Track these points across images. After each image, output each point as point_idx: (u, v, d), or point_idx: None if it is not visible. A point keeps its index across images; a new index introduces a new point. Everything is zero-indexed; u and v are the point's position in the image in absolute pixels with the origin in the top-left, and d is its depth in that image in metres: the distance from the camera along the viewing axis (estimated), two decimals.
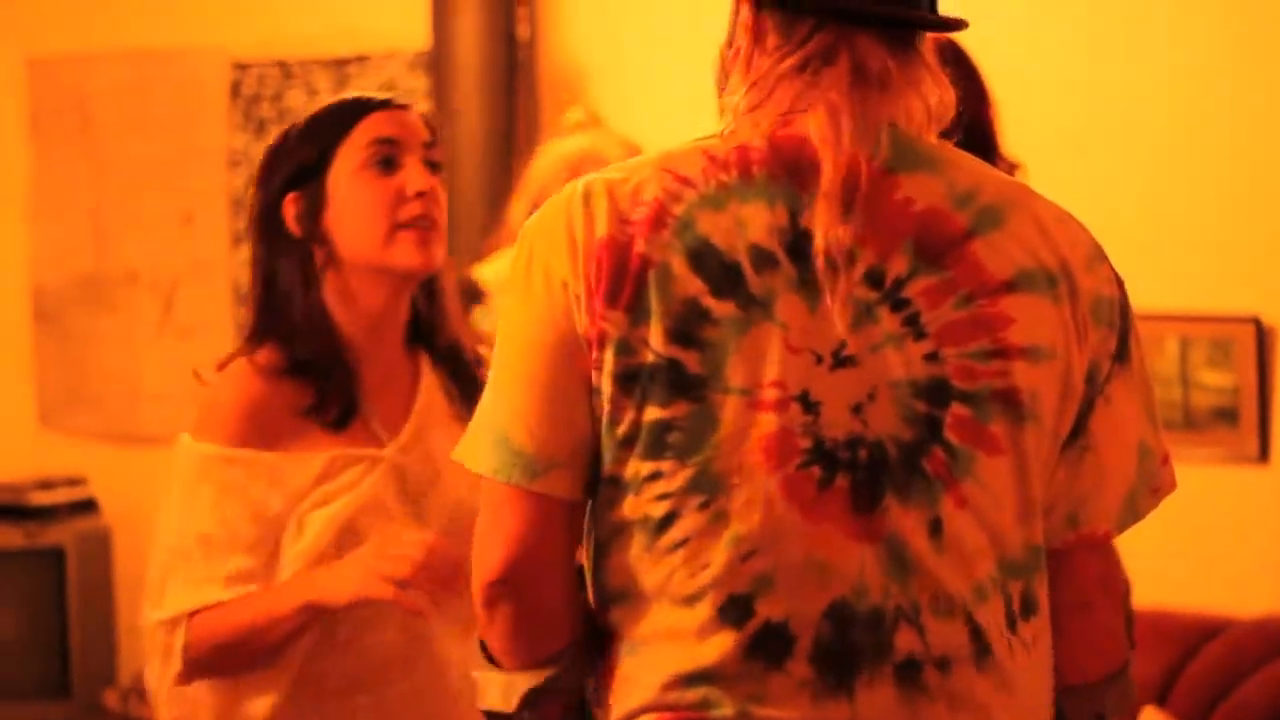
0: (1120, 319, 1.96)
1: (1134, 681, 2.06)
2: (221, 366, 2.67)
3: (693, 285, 1.86)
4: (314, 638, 2.58)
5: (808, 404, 1.85)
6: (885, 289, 1.87)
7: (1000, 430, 1.87)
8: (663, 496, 1.88)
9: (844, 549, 1.85)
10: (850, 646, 1.86)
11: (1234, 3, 4.86)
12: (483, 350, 2.74)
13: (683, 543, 1.88)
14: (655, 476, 1.88)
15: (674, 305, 1.86)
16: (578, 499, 1.94)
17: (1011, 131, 3.05)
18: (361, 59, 6.01)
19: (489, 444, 1.94)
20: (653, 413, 1.87)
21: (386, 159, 2.63)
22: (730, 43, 2.00)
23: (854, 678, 1.86)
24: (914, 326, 1.87)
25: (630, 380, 1.87)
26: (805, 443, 1.85)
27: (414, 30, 5.73)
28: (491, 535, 1.95)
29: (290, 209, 2.64)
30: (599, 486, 1.93)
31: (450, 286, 2.81)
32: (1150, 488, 1.99)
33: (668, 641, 1.90)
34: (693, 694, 1.88)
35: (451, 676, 2.63)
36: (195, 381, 2.69)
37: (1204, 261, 4.78)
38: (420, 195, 2.62)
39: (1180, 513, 2.73)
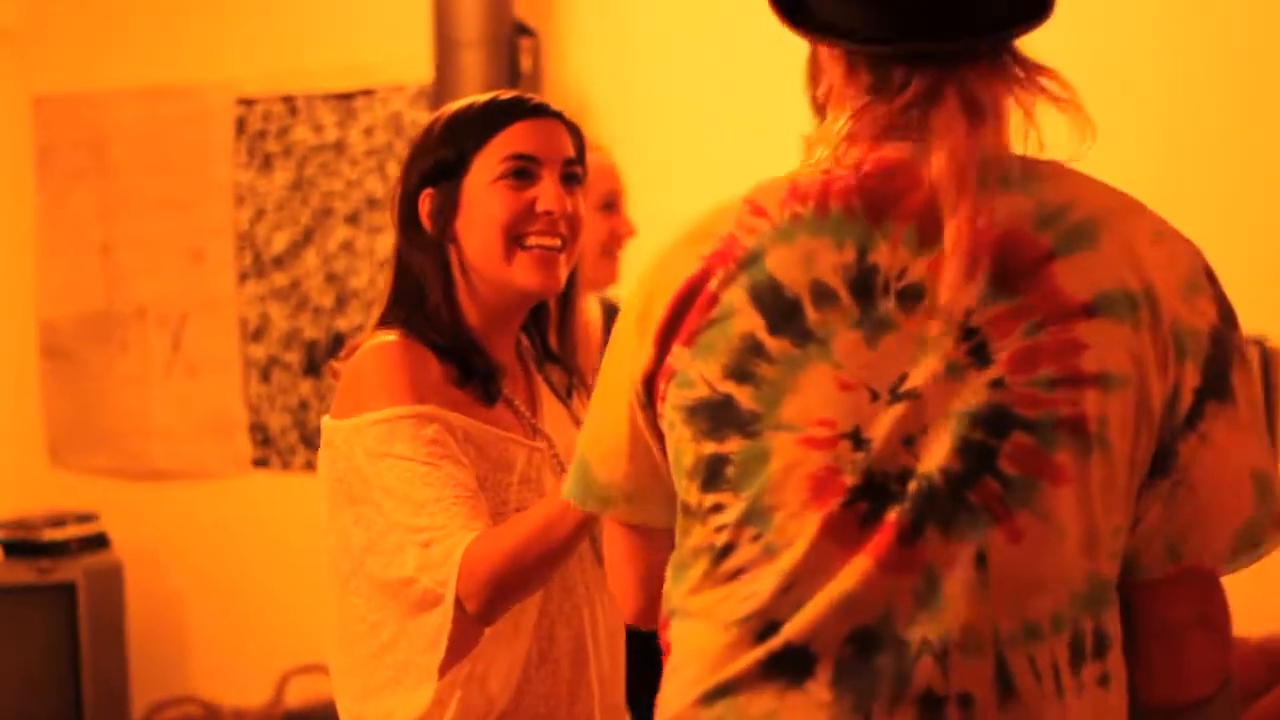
0: (1216, 352, 1.88)
1: (1234, 706, 2.00)
2: (350, 353, 2.62)
3: (752, 321, 1.87)
4: (538, 607, 2.58)
5: (858, 441, 1.84)
6: (953, 319, 1.83)
7: (1066, 459, 1.82)
8: (722, 528, 1.90)
9: (877, 580, 1.83)
10: (871, 673, 1.84)
11: (1239, 20, 4.88)
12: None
13: (737, 573, 1.90)
14: (717, 509, 1.90)
15: (732, 341, 1.88)
16: (669, 527, 1.99)
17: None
18: (366, 93, 6.04)
19: (574, 471, 2.05)
20: (709, 447, 1.90)
21: (521, 171, 2.62)
22: (815, 80, 1.98)
23: (872, 705, 1.84)
24: (979, 356, 1.83)
25: (691, 414, 1.90)
26: (853, 480, 1.84)
27: (418, 64, 5.76)
28: (609, 571, 2.11)
29: (425, 205, 2.65)
30: (679, 513, 1.96)
31: (578, 306, 2.80)
32: (1273, 523, 1.92)
33: (701, 661, 1.92)
34: (709, 713, 1.90)
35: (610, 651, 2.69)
36: (335, 374, 2.64)
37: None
38: (548, 214, 2.61)
39: None
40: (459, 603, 2.45)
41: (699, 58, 5.60)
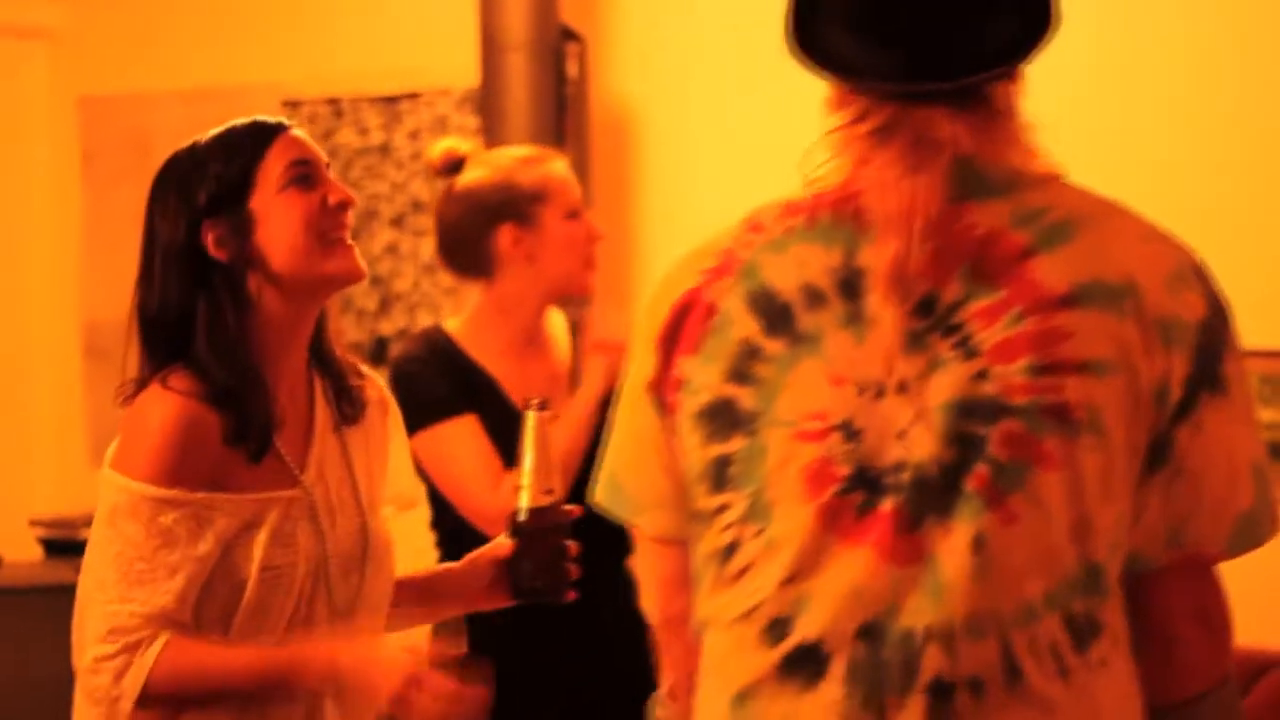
0: (1205, 343, 1.92)
1: (1237, 699, 2.03)
2: (130, 396, 2.67)
3: (749, 326, 1.96)
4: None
5: (849, 432, 1.90)
6: (936, 315, 1.90)
7: (1054, 445, 1.86)
8: (727, 527, 1.96)
9: (880, 571, 1.88)
10: (881, 666, 1.87)
11: (1257, 25, 4.86)
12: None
13: (743, 571, 1.95)
14: (722, 509, 1.97)
15: (731, 346, 1.96)
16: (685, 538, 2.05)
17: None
18: (412, 96, 6.04)
19: (604, 481, 2.12)
20: (714, 449, 1.96)
21: (303, 176, 2.68)
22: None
23: (884, 698, 1.87)
24: (964, 348, 1.89)
25: (698, 420, 1.98)
26: (845, 470, 1.90)
27: (464, 68, 5.75)
28: (639, 576, 2.15)
29: (210, 236, 2.66)
30: (693, 522, 2.03)
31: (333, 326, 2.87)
32: (1270, 515, 1.96)
33: (720, 668, 1.97)
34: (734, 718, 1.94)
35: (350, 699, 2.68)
36: (121, 409, 2.68)
37: (1253, 296, 4.76)
38: (342, 205, 2.70)
39: None
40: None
41: (744, 63, 5.59)
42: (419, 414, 3.60)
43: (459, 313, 3.95)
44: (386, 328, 6.09)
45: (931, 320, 1.90)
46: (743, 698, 1.94)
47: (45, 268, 6.67)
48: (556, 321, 3.86)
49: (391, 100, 6.08)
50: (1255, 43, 4.94)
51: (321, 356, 2.78)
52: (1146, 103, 4.99)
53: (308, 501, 2.66)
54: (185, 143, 2.76)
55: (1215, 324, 1.93)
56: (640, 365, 2.05)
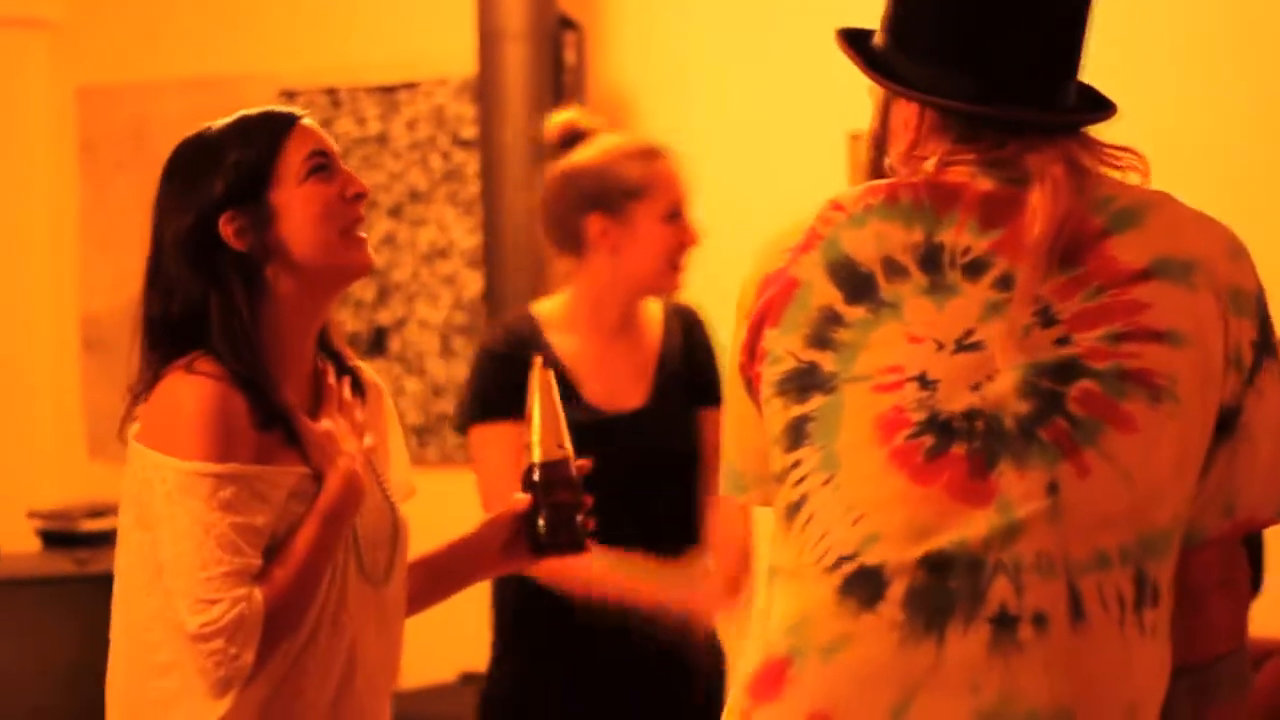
0: (1261, 311, 2.02)
1: (1247, 662, 2.11)
2: (148, 385, 2.66)
3: (830, 294, 2.04)
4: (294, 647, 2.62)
5: (924, 382, 1.97)
6: (1017, 289, 1.98)
7: (1135, 410, 1.93)
8: (800, 480, 2.02)
9: (949, 509, 1.94)
10: (944, 593, 1.92)
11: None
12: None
13: (810, 518, 2.01)
14: (796, 465, 2.03)
15: (812, 313, 2.04)
16: None
17: None
18: (410, 86, 6.04)
19: (723, 468, 2.22)
20: (795, 410, 2.03)
21: (321, 167, 2.69)
22: (882, 122, 2.15)
23: (946, 624, 1.92)
24: (1044, 316, 1.96)
25: (780, 387, 2.05)
26: (919, 416, 1.96)
27: (461, 58, 5.75)
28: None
29: (229, 226, 2.66)
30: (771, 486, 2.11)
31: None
32: None
33: (784, 603, 2.02)
34: (786, 641, 1.99)
35: (376, 675, 2.71)
36: (140, 397, 2.67)
37: None
38: (359, 196, 2.71)
39: None
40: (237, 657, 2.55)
41: (742, 52, 5.59)
42: (470, 408, 3.68)
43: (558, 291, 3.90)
44: (385, 318, 6.08)
45: (1012, 293, 1.98)
46: (801, 623, 1.98)
47: (44, 258, 6.67)
48: (653, 312, 3.81)
49: (389, 90, 6.08)
50: (1257, 41, 4.94)
51: (325, 343, 2.79)
52: (1147, 99, 4.99)
53: (311, 477, 2.66)
54: (191, 131, 2.76)
55: (1263, 295, 2.04)
56: (736, 348, 2.12)
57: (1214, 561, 2.05)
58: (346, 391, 2.76)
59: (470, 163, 5.91)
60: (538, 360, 2.89)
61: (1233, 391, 1.99)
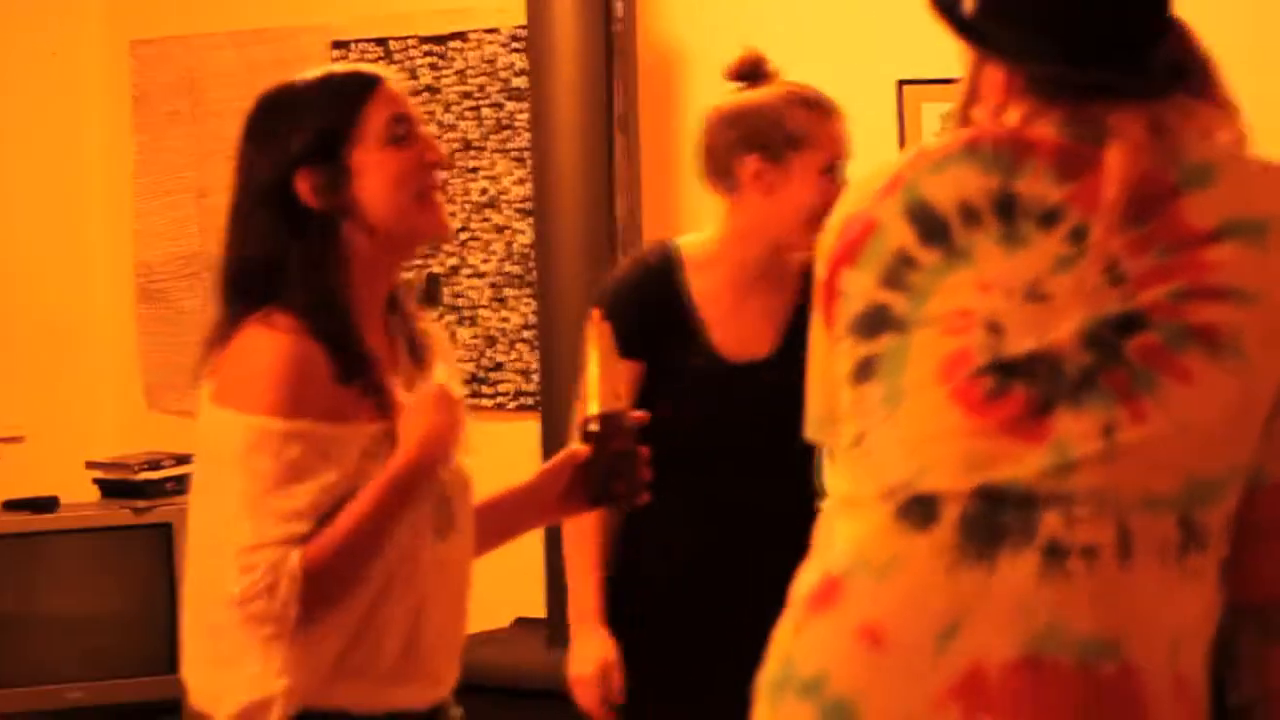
0: None
1: None
2: (223, 337, 2.68)
3: (905, 236, 2.08)
4: (374, 586, 2.65)
5: (991, 327, 2.01)
6: (1086, 243, 2.01)
7: (1194, 364, 1.96)
8: (862, 414, 2.08)
9: (1005, 444, 1.98)
10: (997, 524, 1.97)
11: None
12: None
13: (870, 451, 2.07)
14: (860, 401, 2.09)
15: (887, 255, 2.09)
16: None
17: None
18: (460, 36, 6.05)
19: (810, 407, 2.26)
20: (863, 349, 2.09)
21: (402, 132, 2.72)
22: (972, 84, 2.17)
23: (997, 551, 1.97)
24: (1112, 273, 1.99)
25: (852, 327, 2.11)
26: (982, 359, 2.01)
27: (511, 8, 5.76)
28: None
29: (305, 184, 2.68)
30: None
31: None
32: None
33: (842, 527, 2.09)
34: (842, 563, 2.05)
35: (446, 628, 2.78)
36: (215, 348, 2.70)
37: None
38: (437, 163, 2.75)
39: None
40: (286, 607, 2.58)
41: (793, 4, 5.58)
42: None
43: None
44: (436, 266, 6.11)
45: (1082, 247, 2.01)
46: (857, 544, 2.04)
47: (100, 211, 6.71)
48: (792, 267, 3.72)
49: (439, 40, 6.09)
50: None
51: (394, 302, 2.81)
52: None
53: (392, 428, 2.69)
54: (280, 82, 2.80)
55: None
56: (815, 287, 2.19)
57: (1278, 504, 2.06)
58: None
59: (521, 113, 5.92)
60: (595, 313, 2.90)
61: None
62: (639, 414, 2.89)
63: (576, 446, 2.89)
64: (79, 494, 6.03)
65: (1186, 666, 1.99)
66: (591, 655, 3.69)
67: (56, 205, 6.65)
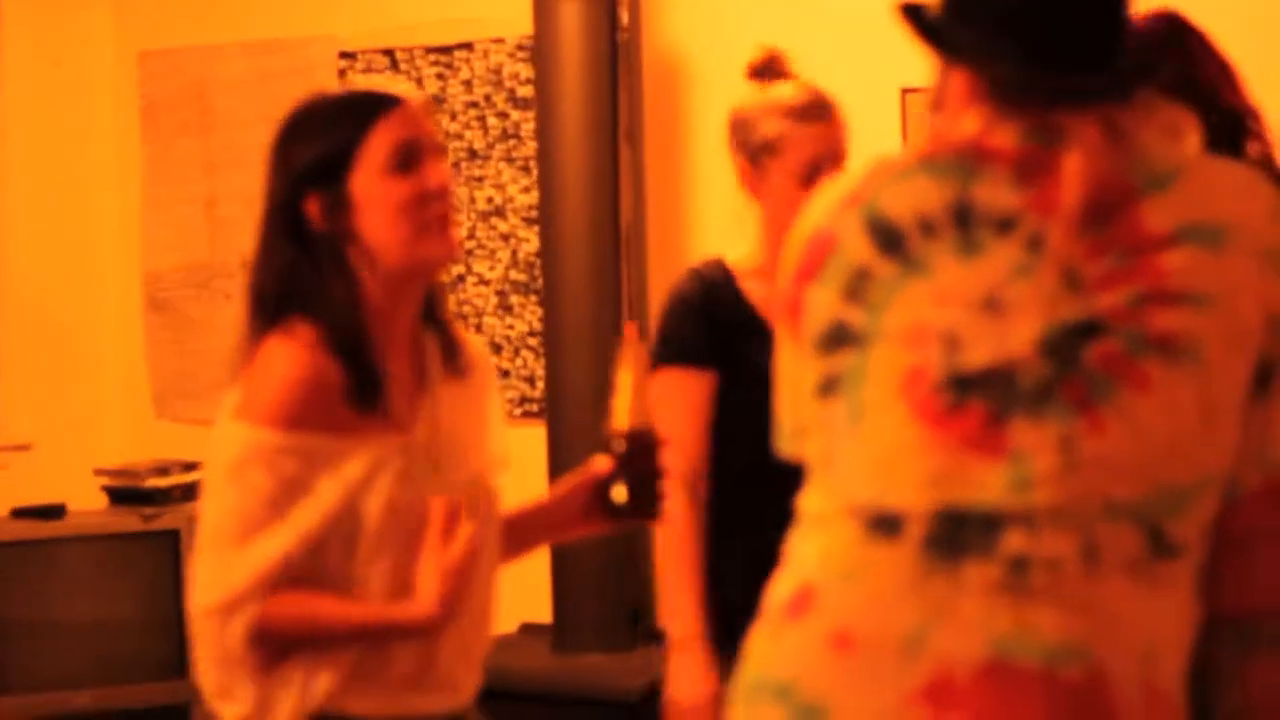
0: None
1: None
2: (250, 349, 2.68)
3: (865, 252, 2.08)
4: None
5: (948, 340, 2.01)
6: (1044, 250, 2.00)
7: (1153, 371, 1.95)
8: (827, 432, 2.10)
9: (966, 461, 1.98)
10: (960, 539, 1.98)
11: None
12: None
13: (836, 467, 2.08)
14: (825, 417, 2.10)
15: (847, 269, 2.09)
16: None
17: None
18: (466, 46, 6.07)
19: (779, 422, 2.24)
20: (826, 365, 2.10)
21: (407, 160, 2.68)
22: (939, 88, 2.17)
23: (961, 563, 1.97)
24: (1069, 279, 1.99)
25: (816, 343, 2.11)
26: (939, 373, 2.01)
27: (517, 18, 5.78)
28: None
29: (313, 207, 2.68)
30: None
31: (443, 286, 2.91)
32: None
33: (809, 544, 2.11)
34: (812, 574, 2.07)
35: (469, 640, 2.78)
36: (242, 366, 2.69)
37: None
38: (442, 190, 2.70)
39: None
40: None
41: (796, 9, 5.60)
42: (661, 351, 3.58)
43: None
44: (443, 275, 6.11)
45: (1039, 254, 2.00)
46: (826, 556, 2.06)
47: (109, 220, 6.72)
48: None
49: (446, 50, 6.11)
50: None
51: (435, 318, 2.81)
52: None
53: (420, 450, 2.70)
54: (309, 95, 2.76)
55: None
56: (780, 303, 2.19)
57: (1259, 513, 2.06)
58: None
59: (526, 122, 5.94)
60: (629, 326, 2.88)
61: (1270, 347, 2.00)
62: (662, 434, 2.86)
63: (599, 461, 2.89)
64: (87, 501, 6.04)
65: (1161, 676, 1.99)
66: (696, 682, 3.53)
67: (65, 215, 6.66)
